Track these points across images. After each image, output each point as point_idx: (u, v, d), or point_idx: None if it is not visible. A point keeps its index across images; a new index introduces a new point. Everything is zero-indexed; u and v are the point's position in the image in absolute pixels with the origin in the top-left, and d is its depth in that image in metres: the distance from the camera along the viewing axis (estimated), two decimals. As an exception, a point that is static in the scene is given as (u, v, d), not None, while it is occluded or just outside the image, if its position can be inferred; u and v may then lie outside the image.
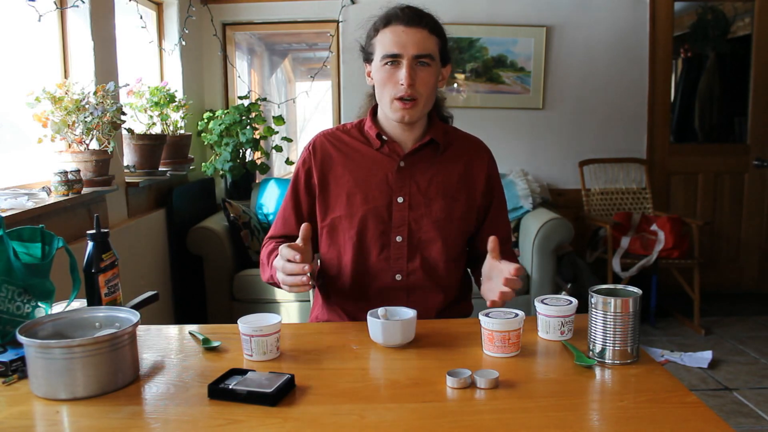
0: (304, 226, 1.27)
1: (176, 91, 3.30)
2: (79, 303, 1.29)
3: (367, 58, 1.48)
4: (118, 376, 1.02)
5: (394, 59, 1.39)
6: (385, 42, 1.41)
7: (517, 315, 1.17)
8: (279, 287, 1.48)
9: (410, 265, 1.47)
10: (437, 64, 1.43)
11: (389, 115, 1.45)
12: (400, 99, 1.40)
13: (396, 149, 1.49)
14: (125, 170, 2.83)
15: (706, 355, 3.10)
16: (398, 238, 1.46)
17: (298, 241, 1.26)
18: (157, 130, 3.14)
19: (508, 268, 1.22)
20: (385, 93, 1.42)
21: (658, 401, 0.97)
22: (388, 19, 1.42)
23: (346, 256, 1.48)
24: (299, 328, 1.41)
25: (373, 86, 1.49)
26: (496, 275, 1.27)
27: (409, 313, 1.22)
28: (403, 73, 1.38)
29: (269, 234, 1.57)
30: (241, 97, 3.93)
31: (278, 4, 3.93)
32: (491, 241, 1.30)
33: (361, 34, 1.50)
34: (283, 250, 1.23)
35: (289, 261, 1.22)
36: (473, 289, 1.61)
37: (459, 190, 1.49)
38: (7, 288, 1.16)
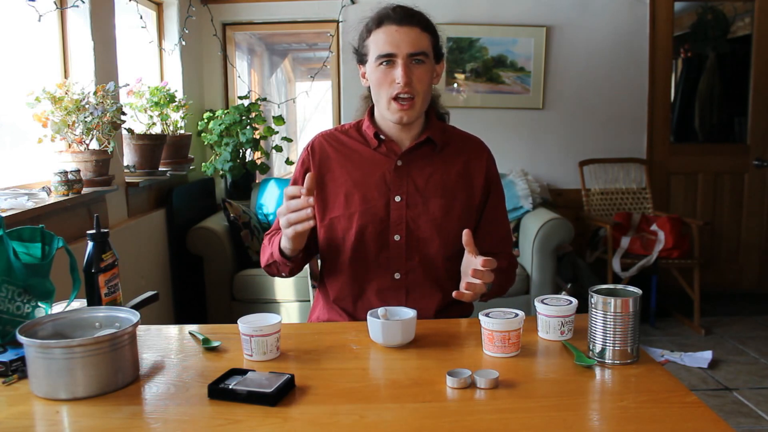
0: (309, 175, 1.22)
1: (176, 91, 3.30)
2: (79, 303, 1.29)
3: (361, 59, 1.49)
4: (118, 376, 1.02)
5: (388, 59, 1.40)
6: (378, 42, 1.41)
7: (517, 315, 1.17)
8: (278, 273, 1.48)
9: (409, 263, 1.47)
10: (431, 61, 1.44)
11: (387, 117, 1.46)
12: (397, 99, 1.41)
13: (393, 148, 1.49)
14: (125, 170, 2.83)
15: (706, 355, 3.10)
16: (396, 237, 1.46)
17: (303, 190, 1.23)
18: (157, 130, 3.14)
19: (477, 260, 1.22)
20: (381, 93, 1.43)
21: (658, 401, 0.97)
22: (380, 20, 1.42)
23: (345, 256, 1.48)
24: (299, 328, 1.41)
25: (368, 87, 1.49)
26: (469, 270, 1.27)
27: (409, 313, 1.22)
28: (399, 72, 1.39)
29: (268, 232, 1.57)
30: (241, 97, 3.93)
31: (278, 4, 3.93)
32: (465, 235, 1.27)
33: (353, 37, 1.51)
34: (288, 189, 1.24)
35: (293, 199, 1.22)
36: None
37: (457, 189, 1.49)
38: (7, 288, 1.16)
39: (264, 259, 1.50)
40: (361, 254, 1.47)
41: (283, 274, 1.49)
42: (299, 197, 1.21)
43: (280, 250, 1.40)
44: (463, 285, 1.26)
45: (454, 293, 1.26)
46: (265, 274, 3.17)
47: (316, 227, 1.51)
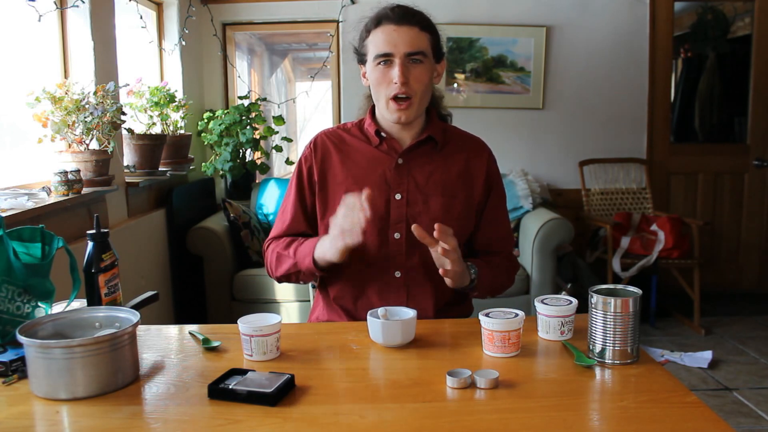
0: (367, 192, 1.29)
1: (176, 91, 3.30)
2: (79, 303, 1.29)
3: (361, 59, 1.50)
4: (118, 376, 1.02)
5: (386, 58, 1.41)
6: (376, 42, 1.42)
7: (517, 315, 1.17)
8: (295, 281, 1.50)
9: (409, 262, 1.47)
10: (430, 60, 1.44)
11: (386, 116, 1.47)
12: (395, 99, 1.42)
13: (394, 146, 1.50)
14: (125, 170, 2.83)
15: (706, 355, 3.10)
16: (396, 235, 1.46)
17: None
18: (157, 130, 3.14)
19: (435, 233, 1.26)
20: (380, 93, 1.44)
21: (658, 401, 0.97)
22: (378, 20, 1.43)
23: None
24: (299, 328, 1.41)
25: (369, 87, 1.50)
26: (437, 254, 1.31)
27: (409, 313, 1.22)
28: (396, 72, 1.39)
29: (273, 235, 1.56)
30: (241, 97, 3.93)
31: (278, 4, 3.93)
32: (415, 229, 1.29)
33: (354, 36, 1.51)
34: (348, 198, 1.30)
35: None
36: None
37: (458, 188, 1.49)
38: (7, 288, 1.16)
39: (282, 269, 1.48)
40: (361, 252, 1.47)
41: (302, 282, 1.51)
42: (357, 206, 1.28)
43: (314, 261, 1.40)
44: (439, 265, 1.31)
45: (440, 270, 1.30)
46: (266, 274, 3.17)
47: (318, 223, 1.52)
